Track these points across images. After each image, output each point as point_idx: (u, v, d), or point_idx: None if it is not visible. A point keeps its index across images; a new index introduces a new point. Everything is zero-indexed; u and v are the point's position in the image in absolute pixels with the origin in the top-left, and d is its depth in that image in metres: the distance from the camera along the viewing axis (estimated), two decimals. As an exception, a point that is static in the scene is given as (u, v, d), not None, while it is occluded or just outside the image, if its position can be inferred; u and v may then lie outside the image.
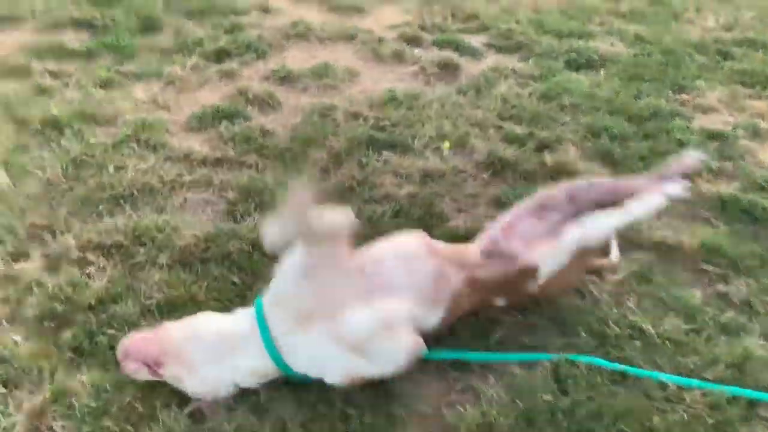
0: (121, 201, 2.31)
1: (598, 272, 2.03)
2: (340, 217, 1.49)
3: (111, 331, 1.77)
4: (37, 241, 2.11)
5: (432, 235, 1.80)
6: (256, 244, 2.08)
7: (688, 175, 1.92)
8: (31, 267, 2.01)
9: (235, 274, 2.00)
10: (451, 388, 1.69)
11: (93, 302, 1.86)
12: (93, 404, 1.58)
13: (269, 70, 3.38)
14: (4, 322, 1.82)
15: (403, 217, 2.29)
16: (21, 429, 1.54)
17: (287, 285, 1.57)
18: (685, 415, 1.61)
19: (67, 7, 3.99)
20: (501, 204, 2.40)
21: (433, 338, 1.68)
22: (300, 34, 3.82)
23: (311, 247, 1.51)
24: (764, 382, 1.70)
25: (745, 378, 1.71)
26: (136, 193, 2.35)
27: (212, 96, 3.12)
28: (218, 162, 2.59)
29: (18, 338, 1.76)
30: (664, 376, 1.70)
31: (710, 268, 2.13)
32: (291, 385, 1.62)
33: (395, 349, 1.56)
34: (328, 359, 1.55)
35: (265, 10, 4.23)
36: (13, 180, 2.40)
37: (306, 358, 1.56)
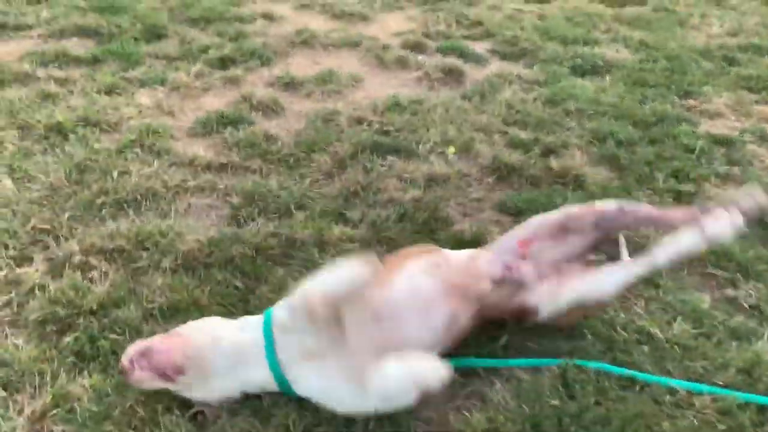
0: (125, 206, 2.30)
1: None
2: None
3: (113, 336, 1.75)
4: (40, 245, 2.11)
5: (437, 240, 1.78)
6: (259, 249, 2.08)
7: (747, 213, 1.66)
8: (34, 271, 1.99)
9: (238, 278, 1.98)
10: (457, 394, 1.66)
11: (95, 306, 1.84)
12: (94, 408, 1.56)
13: (273, 76, 3.39)
14: (6, 326, 1.81)
15: (407, 222, 2.27)
16: (21, 433, 1.52)
17: (295, 323, 1.48)
18: (695, 421, 1.57)
19: (72, 15, 4.02)
20: (506, 208, 2.39)
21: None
22: (304, 41, 3.84)
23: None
24: (775, 388, 1.67)
25: (755, 383, 1.68)
26: (139, 198, 2.34)
27: (217, 102, 3.13)
28: (222, 167, 2.59)
29: (19, 342, 1.75)
30: (673, 381, 1.66)
31: (718, 272, 2.11)
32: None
33: (413, 397, 1.49)
34: (336, 392, 1.50)
35: (270, 18, 4.26)
36: (16, 185, 2.40)
37: (312, 387, 1.52)
